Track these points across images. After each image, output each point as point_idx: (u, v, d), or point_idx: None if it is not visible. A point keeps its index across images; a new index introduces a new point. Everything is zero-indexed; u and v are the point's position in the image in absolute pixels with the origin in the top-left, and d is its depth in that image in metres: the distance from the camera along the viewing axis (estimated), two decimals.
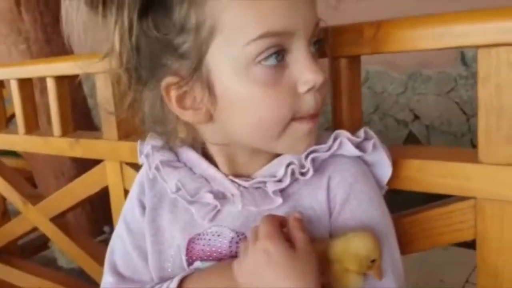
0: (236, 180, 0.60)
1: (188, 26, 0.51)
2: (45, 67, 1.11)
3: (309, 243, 0.51)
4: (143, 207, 0.67)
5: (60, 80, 1.09)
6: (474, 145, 3.00)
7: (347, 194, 0.58)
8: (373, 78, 3.37)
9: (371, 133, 0.61)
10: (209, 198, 0.59)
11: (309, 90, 0.53)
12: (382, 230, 0.57)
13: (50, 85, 1.09)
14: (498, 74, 0.56)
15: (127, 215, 0.69)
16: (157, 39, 0.52)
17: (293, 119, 0.54)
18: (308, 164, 0.57)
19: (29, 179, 2.31)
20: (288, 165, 0.58)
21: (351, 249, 0.51)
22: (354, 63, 0.68)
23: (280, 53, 0.51)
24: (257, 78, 0.51)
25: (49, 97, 1.10)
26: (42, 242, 2.08)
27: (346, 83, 0.68)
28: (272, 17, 0.50)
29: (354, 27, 0.65)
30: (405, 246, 0.67)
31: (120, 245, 0.68)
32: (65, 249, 1.20)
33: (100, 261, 1.12)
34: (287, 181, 0.58)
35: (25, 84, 1.19)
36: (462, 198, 0.62)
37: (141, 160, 0.67)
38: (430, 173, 0.63)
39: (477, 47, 0.57)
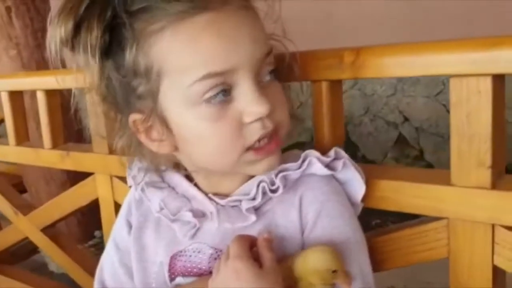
0: (215, 198, 0.63)
1: (139, 70, 0.56)
2: (36, 80, 1.13)
3: (276, 262, 0.54)
4: (130, 227, 0.71)
5: (50, 93, 1.11)
6: None
7: (319, 212, 0.61)
8: (363, 80, 3.40)
9: (342, 152, 0.64)
10: (188, 216, 0.63)
11: (256, 120, 0.56)
12: (352, 244, 0.59)
13: (41, 98, 1.10)
14: (468, 102, 0.59)
15: (116, 234, 0.74)
16: (119, 80, 0.57)
17: (249, 148, 0.57)
18: (278, 181, 0.61)
19: (20, 184, 2.32)
20: (259, 183, 0.61)
21: (309, 265, 0.54)
22: (335, 87, 0.71)
23: (225, 90, 0.55)
24: (205, 115, 0.56)
25: (39, 110, 1.11)
26: (33, 248, 2.08)
27: (328, 106, 0.71)
28: (212, 58, 0.53)
29: (335, 53, 0.68)
30: (381, 263, 0.71)
31: (108, 262, 0.73)
32: (55, 259, 1.22)
33: (90, 271, 1.14)
34: (259, 199, 0.61)
35: (16, 96, 1.20)
36: (436, 218, 0.65)
37: (129, 182, 0.71)
38: (405, 194, 0.66)
39: (450, 76, 0.60)
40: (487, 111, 0.58)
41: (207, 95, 0.54)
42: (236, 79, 0.55)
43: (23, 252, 2.09)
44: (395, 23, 2.88)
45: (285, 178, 0.62)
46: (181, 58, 0.54)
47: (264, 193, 0.61)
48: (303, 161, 0.62)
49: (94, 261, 1.27)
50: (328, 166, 0.63)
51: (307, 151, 0.63)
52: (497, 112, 0.59)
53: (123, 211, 0.74)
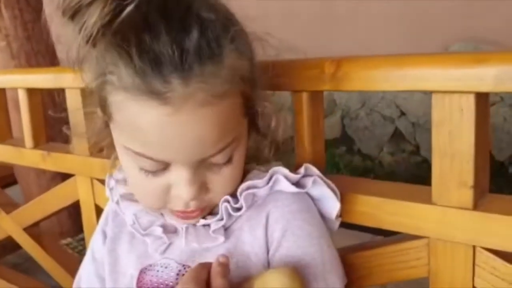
0: None
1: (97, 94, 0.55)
2: (18, 78, 1.11)
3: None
4: (105, 237, 0.70)
5: (32, 91, 1.08)
6: None
7: (284, 231, 0.59)
8: None
9: (313, 169, 0.62)
10: (158, 231, 0.62)
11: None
12: (317, 266, 0.57)
13: (22, 96, 1.08)
14: (451, 120, 0.57)
15: (94, 244, 0.73)
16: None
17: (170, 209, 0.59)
18: (242, 200, 0.59)
19: (11, 176, 2.31)
20: (222, 203, 0.59)
21: None
22: (317, 97, 0.69)
23: (160, 168, 0.55)
24: (139, 168, 0.56)
25: (21, 109, 1.09)
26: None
27: (308, 116, 0.68)
28: (150, 146, 0.52)
29: (315, 63, 0.65)
30: (362, 279, 0.69)
31: (85, 272, 0.73)
32: (37, 259, 1.20)
33: (72, 272, 1.12)
34: (225, 218, 0.59)
35: None
36: (417, 236, 0.63)
37: (107, 193, 0.70)
38: (385, 211, 0.64)
39: (432, 92, 0.58)
40: (469, 130, 0.56)
41: (142, 165, 0.55)
42: (172, 164, 0.54)
43: (11, 245, 2.08)
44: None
45: (253, 195, 0.60)
46: (127, 124, 0.53)
47: (228, 213, 0.59)
48: (270, 178, 0.60)
49: (77, 262, 1.25)
50: (297, 183, 0.61)
51: (274, 169, 0.61)
52: (480, 131, 0.56)
53: (101, 220, 0.74)
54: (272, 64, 0.66)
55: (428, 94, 0.58)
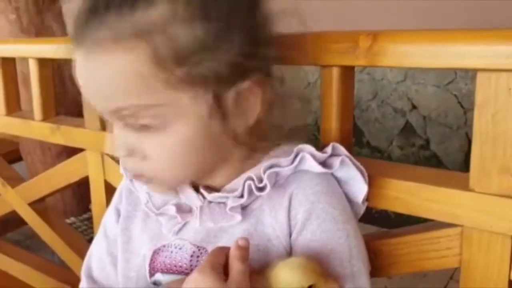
0: (204, 192, 0.58)
1: None
2: (29, 48, 1.07)
3: (245, 274, 0.49)
4: (118, 215, 0.67)
5: (43, 62, 1.04)
6: (469, 139, 2.97)
7: (309, 214, 0.55)
8: None
9: (341, 148, 0.58)
10: (172, 211, 0.59)
11: None
12: (344, 252, 0.54)
13: (32, 67, 1.04)
14: (496, 101, 0.53)
15: (106, 221, 0.70)
16: None
17: None
18: (265, 179, 0.55)
19: (17, 151, 2.28)
20: (245, 180, 0.55)
21: (281, 284, 0.49)
22: (347, 74, 0.64)
23: None
24: None
25: (31, 80, 1.05)
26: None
27: (338, 94, 0.64)
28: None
29: (349, 36, 0.61)
30: (388, 268, 0.65)
31: (97, 249, 0.70)
32: (41, 235, 1.18)
33: (76, 250, 1.10)
34: (245, 197, 0.55)
35: (7, 63, 1.14)
36: (450, 224, 0.60)
37: (121, 170, 0.65)
38: (418, 196, 0.60)
39: (476, 70, 0.54)
40: None
41: None
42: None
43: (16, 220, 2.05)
44: None
45: (276, 174, 0.56)
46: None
47: (250, 191, 0.55)
48: (296, 156, 0.56)
49: (81, 240, 1.23)
50: (323, 163, 0.57)
51: (301, 146, 0.57)
52: None
53: (114, 197, 0.71)
54: (299, 37, 0.61)
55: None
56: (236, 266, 0.49)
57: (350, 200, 0.59)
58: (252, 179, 0.55)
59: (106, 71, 0.49)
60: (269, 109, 0.55)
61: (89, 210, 2.24)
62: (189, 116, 0.51)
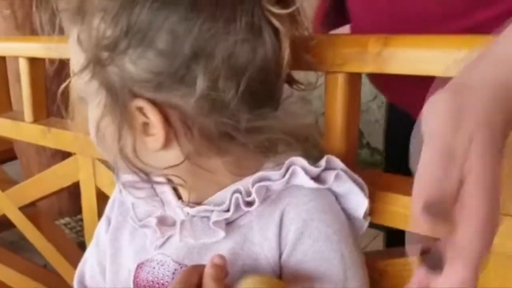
0: (185, 206, 0.55)
1: None
2: (20, 46, 1.03)
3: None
4: (108, 224, 0.65)
5: (34, 61, 1.00)
6: None
7: (300, 233, 0.51)
8: None
9: (336, 162, 0.53)
10: (152, 223, 0.56)
11: None
12: (337, 275, 0.50)
13: (23, 66, 1.00)
14: None
15: (99, 230, 0.68)
16: None
17: None
18: (253, 193, 0.50)
19: (11, 150, 2.23)
20: (233, 194, 0.51)
21: None
22: (354, 81, 0.60)
23: None
24: None
25: (21, 79, 1.01)
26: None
27: (344, 102, 0.60)
28: None
29: (357, 40, 0.57)
30: None
31: (89, 257, 0.69)
32: (32, 240, 1.13)
33: (68, 257, 1.07)
34: (232, 211, 0.51)
35: None
36: None
37: (115, 180, 0.63)
38: None
39: None
40: None
41: None
42: None
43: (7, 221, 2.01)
44: None
45: (266, 188, 0.52)
46: None
47: (237, 205, 0.51)
48: (287, 170, 0.52)
49: (73, 246, 1.19)
50: (317, 178, 0.53)
51: (292, 159, 0.52)
52: None
53: (107, 206, 0.68)
54: (302, 40, 0.57)
55: None
56: (209, 286, 0.46)
57: (350, 216, 0.55)
58: (240, 192, 0.51)
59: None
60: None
61: None
62: (89, 98, 0.52)
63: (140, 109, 0.48)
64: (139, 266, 0.58)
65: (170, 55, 0.46)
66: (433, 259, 0.34)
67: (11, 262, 1.22)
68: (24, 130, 1.04)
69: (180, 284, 0.47)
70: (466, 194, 0.33)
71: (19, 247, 1.75)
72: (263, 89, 0.50)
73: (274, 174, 0.52)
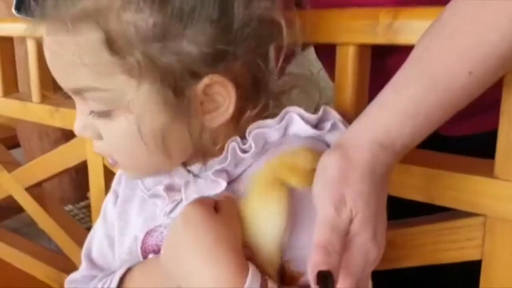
0: (192, 168, 0.55)
1: None
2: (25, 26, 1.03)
3: (235, 206, 0.49)
4: (116, 197, 0.66)
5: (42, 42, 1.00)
6: None
7: None
8: None
9: (333, 113, 0.53)
10: (159, 190, 0.56)
11: None
12: None
13: (31, 46, 1.00)
14: None
15: (106, 204, 0.68)
16: None
17: None
18: (250, 139, 0.51)
19: (14, 137, 2.24)
20: (230, 143, 0.52)
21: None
22: (364, 53, 0.61)
23: None
24: None
25: (29, 60, 1.01)
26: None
27: (353, 74, 0.61)
28: None
29: (368, 13, 0.58)
30: (403, 259, 0.62)
31: (97, 231, 0.69)
32: (38, 221, 1.14)
33: (73, 236, 1.07)
34: (229, 158, 0.52)
35: (5, 42, 1.10)
36: (470, 214, 0.56)
37: None
38: (439, 184, 0.57)
39: None
40: None
41: None
42: None
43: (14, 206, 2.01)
44: None
45: (263, 137, 0.52)
46: None
47: (235, 153, 0.52)
48: (283, 117, 0.52)
49: (79, 226, 1.20)
50: (314, 126, 0.53)
51: (288, 107, 0.52)
52: None
53: (114, 180, 0.69)
54: (312, 14, 0.58)
55: None
56: (225, 204, 0.49)
57: None
58: (236, 141, 0.52)
59: (61, 51, 0.48)
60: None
61: (87, 198, 2.21)
62: (138, 107, 0.48)
63: (208, 87, 0.48)
64: (148, 233, 0.58)
65: (223, 21, 0.47)
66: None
67: (20, 245, 1.22)
68: (31, 110, 1.05)
69: (198, 200, 0.49)
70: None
71: (23, 234, 1.76)
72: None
73: (271, 121, 0.52)
